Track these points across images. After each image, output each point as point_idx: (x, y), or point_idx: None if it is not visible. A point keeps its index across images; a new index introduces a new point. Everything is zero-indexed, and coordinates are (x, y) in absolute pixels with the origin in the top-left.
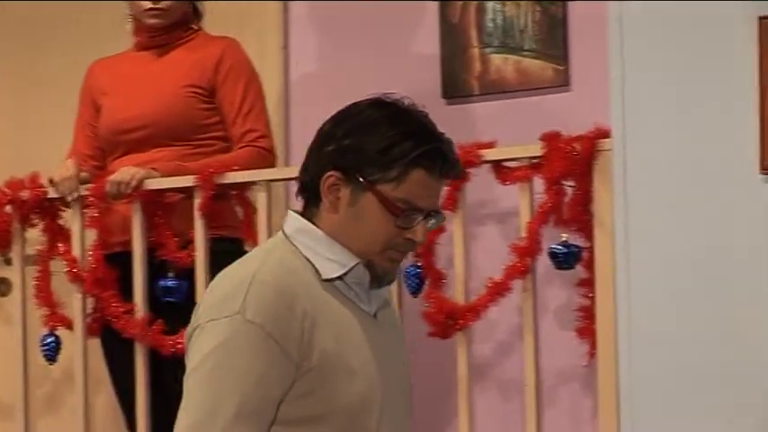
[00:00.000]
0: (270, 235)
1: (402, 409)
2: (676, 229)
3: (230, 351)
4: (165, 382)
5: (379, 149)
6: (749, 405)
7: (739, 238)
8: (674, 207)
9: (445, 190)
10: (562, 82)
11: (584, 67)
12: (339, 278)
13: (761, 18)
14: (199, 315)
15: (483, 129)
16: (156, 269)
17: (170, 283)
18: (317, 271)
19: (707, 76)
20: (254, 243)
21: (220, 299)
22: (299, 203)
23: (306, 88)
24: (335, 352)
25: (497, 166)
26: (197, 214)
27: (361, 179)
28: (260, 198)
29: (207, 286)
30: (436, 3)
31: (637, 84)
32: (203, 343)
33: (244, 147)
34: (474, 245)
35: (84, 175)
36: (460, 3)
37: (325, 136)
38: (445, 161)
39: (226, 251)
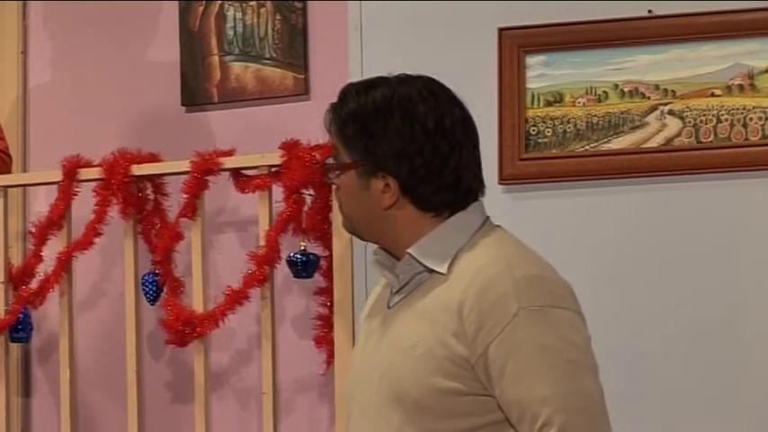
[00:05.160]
0: (6, 240)
1: (373, 402)
2: None
3: None
4: None
5: None
6: None
7: None
8: None
9: (183, 197)
10: (302, 91)
11: (325, 77)
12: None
13: (501, 29)
14: None
15: (222, 137)
16: None
17: None
18: None
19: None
20: None
21: None
22: (42, 209)
23: (44, 94)
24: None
25: (236, 174)
26: None
27: None
28: None
29: None
30: (176, 10)
31: None
32: None
33: None
34: (213, 253)
35: None
36: (200, 10)
37: None
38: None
39: None
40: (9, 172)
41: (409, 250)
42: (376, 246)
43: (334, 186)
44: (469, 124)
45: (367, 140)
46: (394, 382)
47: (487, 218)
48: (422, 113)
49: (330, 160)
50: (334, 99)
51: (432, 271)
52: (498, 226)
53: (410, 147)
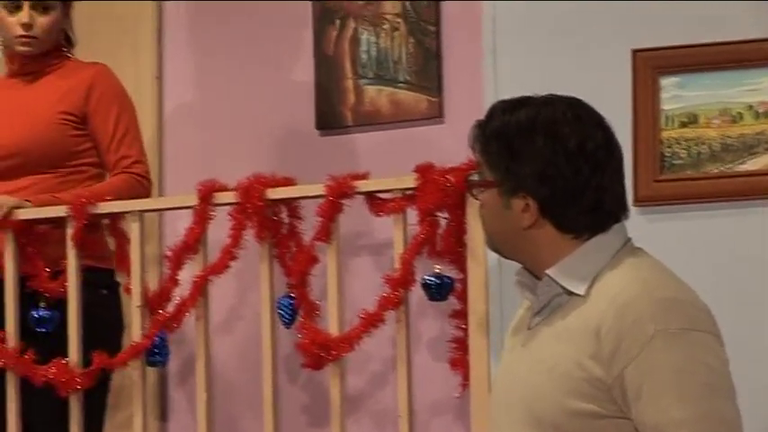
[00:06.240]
0: (143, 265)
1: (513, 425)
2: None
3: None
4: (37, 412)
5: None
6: None
7: None
8: None
9: (318, 221)
10: (436, 114)
11: (458, 100)
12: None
13: (635, 51)
14: None
15: (357, 160)
16: (28, 298)
17: (42, 313)
18: None
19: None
20: (127, 273)
21: None
22: (178, 232)
23: (181, 118)
24: None
25: (371, 197)
26: (70, 244)
27: None
28: (133, 228)
29: (78, 316)
30: (311, 33)
31: None
32: None
33: (118, 174)
34: (348, 276)
35: None
36: (334, 34)
37: None
38: None
39: (95, 282)
40: (149, 196)
41: (548, 272)
42: (516, 268)
43: (478, 203)
44: (613, 147)
45: (509, 160)
46: (532, 404)
47: (628, 240)
48: (565, 135)
49: (475, 177)
50: (469, 122)
51: (570, 293)
52: (639, 248)
53: (551, 169)
